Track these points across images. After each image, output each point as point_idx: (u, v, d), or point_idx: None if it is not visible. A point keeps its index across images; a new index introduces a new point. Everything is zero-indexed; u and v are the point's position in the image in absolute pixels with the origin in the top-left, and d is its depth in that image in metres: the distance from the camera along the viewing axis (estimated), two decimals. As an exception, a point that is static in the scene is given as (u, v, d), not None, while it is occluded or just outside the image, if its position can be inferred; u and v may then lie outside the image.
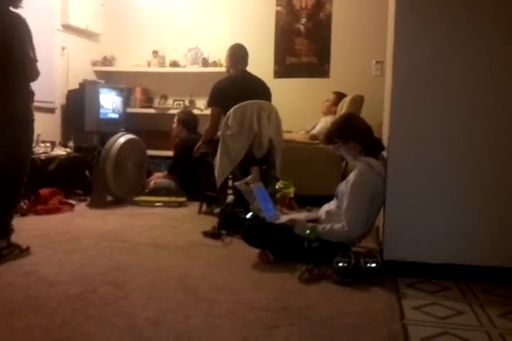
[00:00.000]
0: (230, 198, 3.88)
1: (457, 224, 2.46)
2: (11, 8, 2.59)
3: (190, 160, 4.09)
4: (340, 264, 2.32)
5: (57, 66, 5.10)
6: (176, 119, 4.87)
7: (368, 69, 5.14)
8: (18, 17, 2.57)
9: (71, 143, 4.79)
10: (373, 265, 2.32)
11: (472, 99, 2.43)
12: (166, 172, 4.73)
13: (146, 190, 4.55)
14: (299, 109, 5.09)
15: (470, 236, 2.44)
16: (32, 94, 2.67)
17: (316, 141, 4.47)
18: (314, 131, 4.62)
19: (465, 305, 2.08)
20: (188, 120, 4.82)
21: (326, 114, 4.81)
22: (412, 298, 2.15)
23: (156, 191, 4.49)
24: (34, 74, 2.62)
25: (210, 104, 3.90)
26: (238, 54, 3.96)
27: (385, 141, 2.80)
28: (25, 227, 3.23)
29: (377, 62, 5.07)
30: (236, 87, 3.77)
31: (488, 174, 2.43)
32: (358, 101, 4.51)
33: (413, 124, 2.49)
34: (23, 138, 2.67)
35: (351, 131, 2.71)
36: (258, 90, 3.84)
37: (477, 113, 2.43)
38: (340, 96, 4.76)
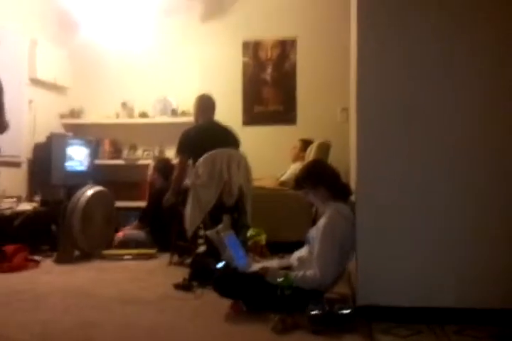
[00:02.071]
0: (202, 248, 3.82)
1: (428, 266, 2.46)
2: None
3: (162, 210, 4.05)
4: (314, 312, 2.27)
5: (25, 119, 5.08)
6: (152, 167, 4.88)
7: (334, 116, 5.28)
8: None
9: (37, 197, 4.69)
10: (347, 311, 2.28)
11: (440, 142, 2.48)
12: (136, 222, 4.65)
13: (115, 243, 4.45)
14: (268, 155, 5.16)
15: (441, 279, 2.44)
16: None
17: (286, 188, 4.49)
18: (283, 178, 4.66)
19: (440, 349, 2.05)
20: (165, 168, 4.80)
21: (295, 161, 4.88)
22: (387, 344, 2.12)
23: (126, 243, 4.40)
24: (4, 127, 2.61)
25: (178, 151, 3.90)
26: (205, 104, 4.03)
27: (352, 185, 2.84)
28: (-12, 286, 3.10)
29: (343, 109, 5.20)
30: (203, 135, 3.81)
31: (462, 216, 2.46)
32: (325, 147, 4.60)
33: (380, 168, 2.53)
34: None
35: (319, 177, 2.75)
36: (225, 138, 3.88)
37: (447, 156, 2.47)
38: (306, 143, 4.86)
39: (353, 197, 2.74)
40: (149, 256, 4.13)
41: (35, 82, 5.27)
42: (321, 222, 2.67)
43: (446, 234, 2.46)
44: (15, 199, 4.33)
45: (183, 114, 5.62)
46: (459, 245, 2.45)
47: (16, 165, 4.90)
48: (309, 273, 2.56)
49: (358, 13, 2.60)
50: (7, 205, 4.18)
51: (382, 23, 2.55)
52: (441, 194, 2.48)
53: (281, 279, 2.47)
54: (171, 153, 5.60)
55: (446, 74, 2.50)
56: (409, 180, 2.51)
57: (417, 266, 2.47)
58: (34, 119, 5.24)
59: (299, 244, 3.01)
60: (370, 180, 2.55)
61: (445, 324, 2.33)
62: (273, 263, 2.89)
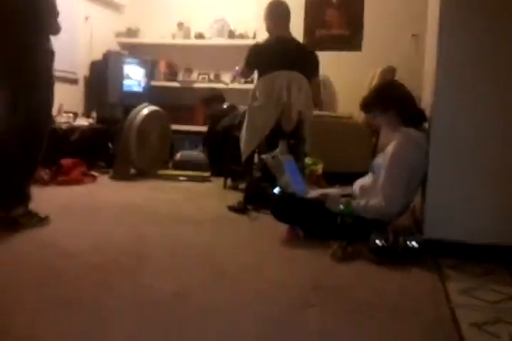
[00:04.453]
0: (257, 173, 3.72)
1: (502, 202, 2.25)
2: None
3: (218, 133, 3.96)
4: (378, 242, 2.15)
5: (81, 36, 4.94)
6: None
7: (403, 42, 4.87)
8: None
9: (94, 115, 4.67)
10: (414, 243, 2.14)
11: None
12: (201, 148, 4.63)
13: (170, 164, 4.44)
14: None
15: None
16: (52, 53, 2.52)
17: (345, 116, 4.28)
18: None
19: (516, 290, 1.90)
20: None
21: None
22: (457, 281, 1.97)
23: (182, 164, 4.37)
24: (57, 28, 2.48)
25: (245, 66, 3.62)
26: (277, 13, 3.57)
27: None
28: (46, 197, 3.13)
29: (413, 35, 4.80)
30: (272, 53, 3.46)
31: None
32: (390, 72, 4.27)
33: (460, 94, 2.28)
34: (44, 101, 2.52)
35: (392, 99, 2.50)
36: (296, 59, 3.47)
37: None
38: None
39: (426, 125, 2.52)
40: (204, 179, 4.08)
41: (91, -3, 5.08)
42: (390, 148, 2.47)
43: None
44: (71, 115, 4.31)
45: (241, 36, 5.36)
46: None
47: (73, 81, 4.85)
48: (373, 202, 2.40)
49: None
50: (64, 120, 4.17)
51: None
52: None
53: (342, 207, 2.34)
54: (226, 78, 5.42)
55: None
56: (488, 112, 2.26)
57: (492, 199, 2.26)
58: (90, 36, 5.10)
59: (356, 176, 2.86)
60: (447, 108, 2.30)
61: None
62: (334, 190, 2.75)
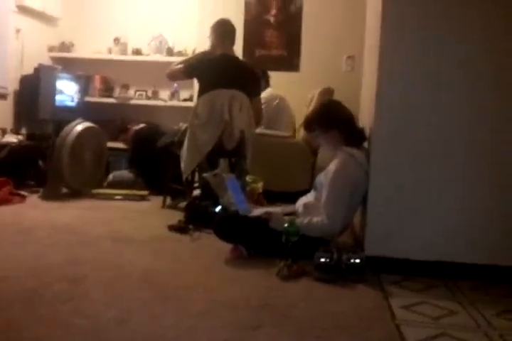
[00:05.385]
0: (197, 191, 3.65)
1: (441, 219, 2.33)
2: None
3: (150, 151, 3.87)
4: (322, 260, 2.15)
5: (11, 49, 4.71)
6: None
7: (339, 64, 5.03)
8: None
9: (24, 131, 4.43)
10: (357, 261, 2.15)
11: (467, 97, 2.32)
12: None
13: (105, 184, 4.27)
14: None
15: (456, 233, 2.31)
16: None
17: (286, 135, 4.31)
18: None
19: (456, 304, 1.94)
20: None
21: None
22: (400, 297, 2.00)
23: (115, 185, 4.22)
24: None
25: (184, 68, 3.56)
26: (224, 31, 3.58)
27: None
28: (-30, 219, 2.92)
29: (349, 57, 4.97)
30: (214, 69, 3.45)
31: (478, 165, 2.32)
32: (328, 93, 4.36)
33: (399, 115, 2.35)
34: None
35: (333, 119, 2.55)
36: (236, 77, 3.44)
37: (469, 111, 2.32)
38: None
39: (366, 144, 2.58)
40: (141, 198, 3.95)
41: (23, 9, 4.86)
42: (332, 166, 2.50)
43: (464, 184, 2.32)
44: (-1, 132, 4.08)
45: (179, 54, 5.30)
46: (477, 197, 2.31)
47: (2, 96, 4.60)
48: (316, 219, 2.41)
49: None
50: (-9, 137, 3.94)
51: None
52: (461, 147, 2.32)
53: (287, 225, 2.33)
54: (164, 94, 5.35)
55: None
56: (429, 129, 2.34)
57: (429, 217, 2.34)
58: (21, 50, 4.88)
59: (296, 195, 2.89)
60: (387, 127, 2.37)
61: (458, 279, 2.22)
62: (276, 208, 2.74)
